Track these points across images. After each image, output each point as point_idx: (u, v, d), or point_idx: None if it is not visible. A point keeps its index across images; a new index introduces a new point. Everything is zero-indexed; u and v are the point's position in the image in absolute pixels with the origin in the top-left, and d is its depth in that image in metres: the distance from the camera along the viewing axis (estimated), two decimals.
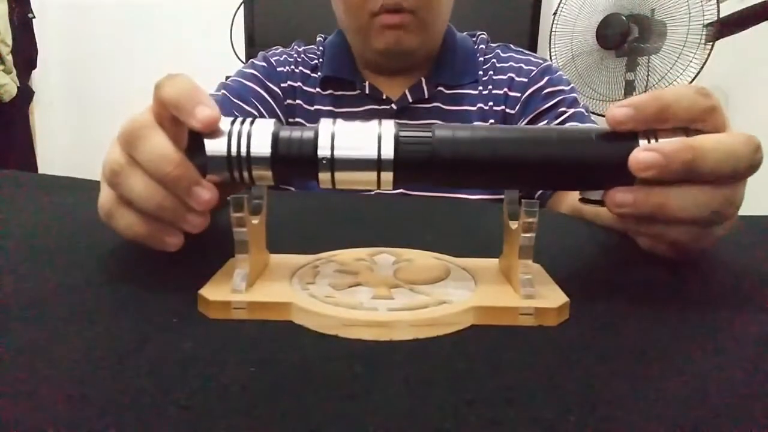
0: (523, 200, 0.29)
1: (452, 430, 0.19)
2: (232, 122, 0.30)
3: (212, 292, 0.29)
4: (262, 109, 0.75)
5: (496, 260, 0.35)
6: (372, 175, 0.30)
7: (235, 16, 1.95)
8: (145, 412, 0.20)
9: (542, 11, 1.89)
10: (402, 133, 0.30)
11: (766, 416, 0.21)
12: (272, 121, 0.30)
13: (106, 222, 0.34)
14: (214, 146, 0.29)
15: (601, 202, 0.32)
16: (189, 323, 0.27)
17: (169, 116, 0.31)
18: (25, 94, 2.33)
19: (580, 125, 0.69)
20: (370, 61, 0.78)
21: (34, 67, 2.44)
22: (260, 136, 0.30)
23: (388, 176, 0.30)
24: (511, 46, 0.83)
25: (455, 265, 0.34)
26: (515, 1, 1.91)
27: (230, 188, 0.32)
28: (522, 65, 0.78)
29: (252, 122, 0.30)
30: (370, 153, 0.29)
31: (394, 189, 0.30)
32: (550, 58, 1.83)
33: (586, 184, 0.32)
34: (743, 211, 0.45)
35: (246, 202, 0.29)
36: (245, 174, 0.30)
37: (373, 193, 0.73)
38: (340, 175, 0.30)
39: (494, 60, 0.79)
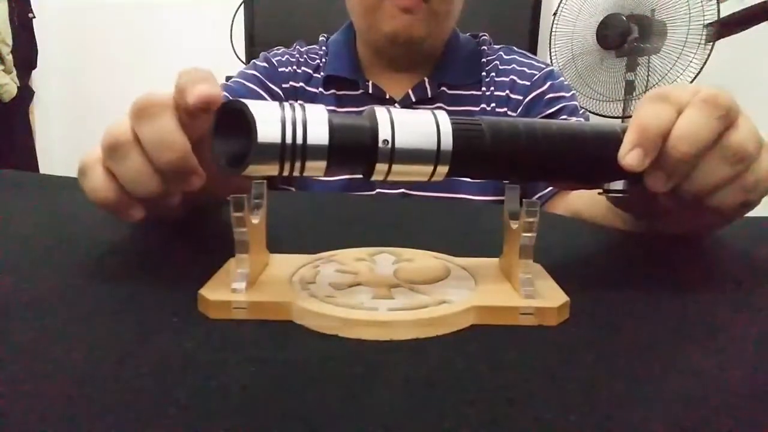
0: (523, 200, 0.29)
1: (452, 430, 0.19)
2: (281, 107, 0.27)
3: (212, 292, 0.29)
4: None
5: (496, 260, 0.35)
6: (428, 168, 0.29)
7: (235, 16, 1.95)
8: (145, 412, 0.20)
9: (542, 11, 1.89)
10: (456, 125, 0.29)
11: (766, 416, 0.21)
12: (322, 106, 0.28)
13: (78, 177, 0.32)
14: (267, 133, 0.26)
15: (623, 192, 0.33)
16: (189, 323, 0.27)
17: (184, 106, 0.29)
18: (25, 94, 2.34)
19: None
20: (374, 52, 0.77)
21: (34, 67, 2.44)
22: (317, 123, 0.26)
23: (443, 169, 0.29)
24: (515, 48, 0.83)
25: (455, 265, 0.34)
26: (515, 1, 1.91)
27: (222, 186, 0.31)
28: (525, 69, 0.78)
29: (303, 107, 0.27)
30: (430, 144, 0.28)
31: (437, 181, 0.30)
32: (550, 58, 1.83)
33: (615, 177, 0.33)
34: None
35: (246, 202, 0.29)
36: (297, 164, 0.27)
37: (373, 192, 0.73)
38: (397, 167, 0.28)
39: (497, 62, 0.79)
